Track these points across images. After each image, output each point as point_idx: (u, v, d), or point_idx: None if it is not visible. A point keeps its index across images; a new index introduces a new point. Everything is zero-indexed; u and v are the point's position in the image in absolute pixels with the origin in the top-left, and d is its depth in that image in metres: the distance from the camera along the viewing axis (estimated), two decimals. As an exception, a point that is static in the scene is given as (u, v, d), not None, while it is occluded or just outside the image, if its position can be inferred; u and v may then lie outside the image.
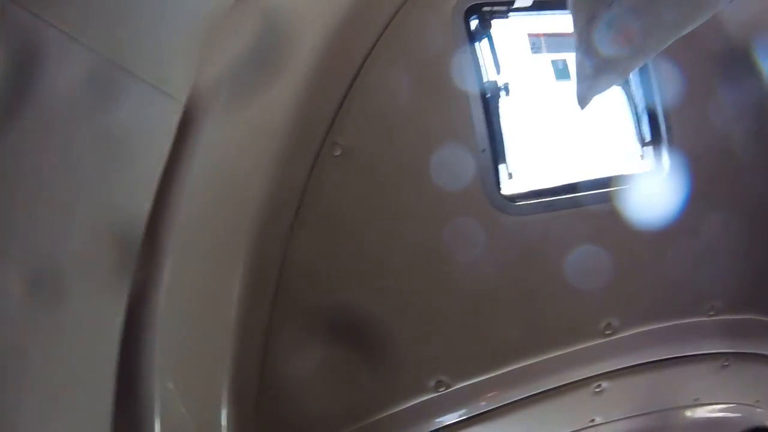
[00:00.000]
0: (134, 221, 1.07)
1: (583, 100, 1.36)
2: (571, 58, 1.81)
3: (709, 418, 2.12)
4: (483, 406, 1.63)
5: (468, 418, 1.64)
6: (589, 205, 1.56)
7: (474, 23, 1.61)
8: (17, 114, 0.92)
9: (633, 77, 1.73)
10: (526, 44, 1.70)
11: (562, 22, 1.69)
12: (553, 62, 1.74)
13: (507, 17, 1.66)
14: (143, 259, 1.11)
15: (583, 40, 1.23)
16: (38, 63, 0.82)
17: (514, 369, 1.59)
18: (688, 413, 2.12)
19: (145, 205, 1.08)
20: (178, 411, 1.25)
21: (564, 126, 1.67)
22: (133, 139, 0.99)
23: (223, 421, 1.39)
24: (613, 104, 1.70)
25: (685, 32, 1.05)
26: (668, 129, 1.70)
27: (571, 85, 1.75)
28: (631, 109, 1.71)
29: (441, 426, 1.62)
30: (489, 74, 1.58)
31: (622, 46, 1.15)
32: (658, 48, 1.09)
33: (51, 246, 0.97)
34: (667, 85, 1.72)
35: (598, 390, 1.73)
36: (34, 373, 0.96)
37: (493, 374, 1.58)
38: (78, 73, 0.86)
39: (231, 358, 1.40)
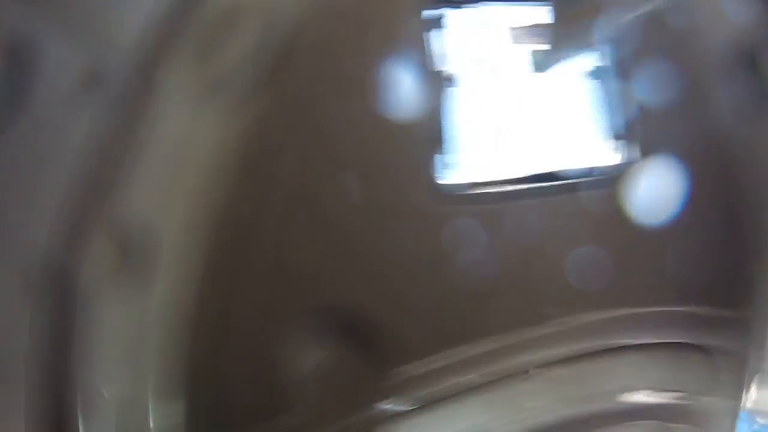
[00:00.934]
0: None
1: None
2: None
3: (637, 403, 2.28)
4: (424, 397, 1.68)
5: (410, 410, 1.69)
6: (539, 197, 1.56)
7: (431, 12, 1.54)
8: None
9: (607, 68, 1.70)
10: (507, 35, 1.65)
11: (540, 13, 1.62)
12: (533, 53, 1.69)
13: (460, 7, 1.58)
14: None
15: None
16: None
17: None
18: (619, 399, 2.26)
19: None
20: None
21: (533, 118, 1.64)
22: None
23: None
24: (585, 96, 1.67)
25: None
26: (642, 120, 1.69)
27: (548, 77, 1.71)
28: (603, 99, 1.67)
29: (387, 414, 1.67)
30: (435, 63, 1.52)
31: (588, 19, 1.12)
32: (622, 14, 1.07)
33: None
34: (643, 77, 1.70)
35: (527, 377, 1.80)
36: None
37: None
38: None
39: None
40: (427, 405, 1.77)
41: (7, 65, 0.86)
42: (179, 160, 1.14)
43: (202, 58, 1.16)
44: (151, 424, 1.26)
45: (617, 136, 1.80)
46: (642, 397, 2.28)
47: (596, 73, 1.76)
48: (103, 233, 1.00)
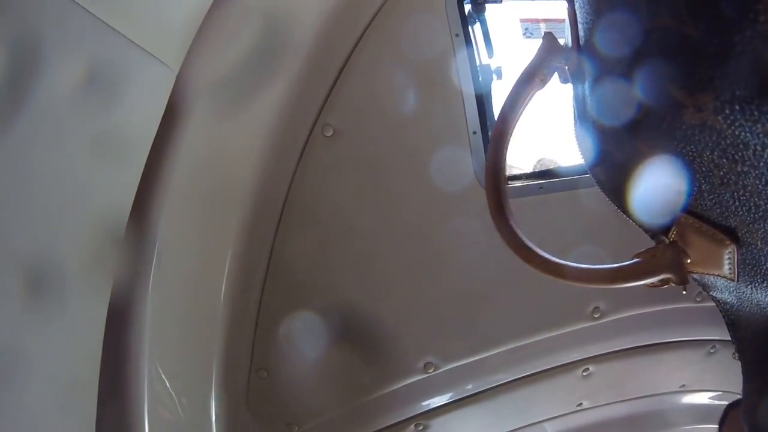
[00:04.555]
0: (120, 208, 1.07)
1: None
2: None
3: (695, 405, 2.15)
4: (471, 388, 1.64)
5: (456, 400, 1.65)
6: (579, 188, 1.57)
7: (467, 7, 1.61)
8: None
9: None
10: (519, 29, 1.72)
11: (553, 7, 1.70)
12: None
13: (500, 2, 1.67)
14: (129, 247, 1.11)
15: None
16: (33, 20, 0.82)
17: (503, 351, 1.60)
18: (675, 399, 2.14)
19: (133, 189, 1.07)
20: (168, 401, 1.25)
21: (557, 111, 1.69)
22: (125, 109, 0.99)
23: (214, 407, 1.39)
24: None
25: None
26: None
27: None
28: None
29: (429, 408, 1.63)
30: (481, 58, 1.58)
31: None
32: None
33: (32, 244, 0.97)
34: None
35: (585, 374, 1.75)
36: (15, 372, 0.96)
37: (481, 356, 1.59)
38: (71, 38, 0.86)
39: (221, 345, 1.40)
40: (478, 398, 1.68)
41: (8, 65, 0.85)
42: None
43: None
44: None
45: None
46: (704, 399, 2.12)
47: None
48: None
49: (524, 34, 1.72)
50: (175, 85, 1.08)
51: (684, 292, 0.62)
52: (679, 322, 1.90)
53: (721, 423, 1.41)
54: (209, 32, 1.13)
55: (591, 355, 1.74)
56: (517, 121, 0.84)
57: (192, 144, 1.23)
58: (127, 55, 0.94)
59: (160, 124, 1.11)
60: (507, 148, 0.84)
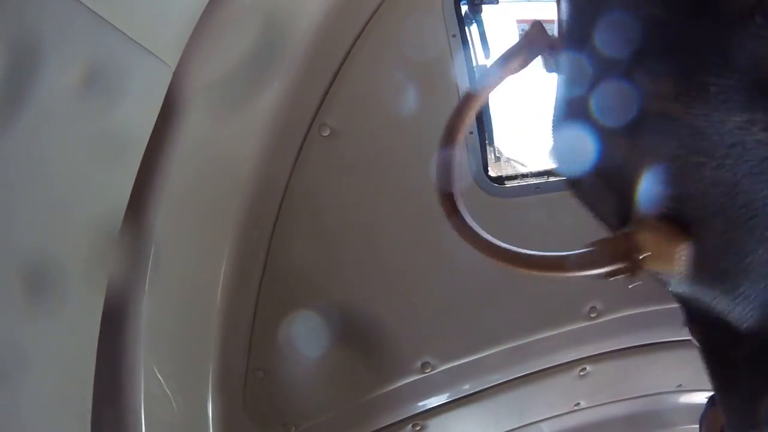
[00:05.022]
0: (117, 208, 1.06)
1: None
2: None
3: (691, 405, 2.15)
4: (468, 388, 1.64)
5: (453, 400, 1.65)
6: (575, 189, 1.57)
7: (464, 8, 1.62)
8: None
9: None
10: (515, 30, 1.72)
11: (550, 8, 1.70)
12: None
13: (497, 2, 1.67)
14: (125, 247, 1.11)
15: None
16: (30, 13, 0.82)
17: (500, 351, 1.60)
18: (671, 399, 2.15)
19: (128, 188, 1.07)
20: (164, 401, 1.25)
21: (551, 111, 1.70)
22: (122, 107, 0.98)
23: (210, 407, 1.39)
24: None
25: None
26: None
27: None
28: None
29: (427, 408, 1.63)
30: (478, 58, 1.59)
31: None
32: None
33: (28, 244, 0.96)
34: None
35: (582, 373, 1.75)
36: (10, 372, 0.95)
37: (478, 356, 1.59)
38: (70, 34, 0.86)
39: (217, 345, 1.40)
40: (475, 398, 1.68)
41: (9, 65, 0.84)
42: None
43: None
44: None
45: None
46: (700, 399, 2.12)
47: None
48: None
49: (520, 35, 1.73)
50: (171, 82, 1.08)
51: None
52: (675, 321, 1.90)
53: (702, 422, 1.42)
54: (206, 30, 1.13)
55: (588, 355, 1.75)
56: (482, 100, 0.85)
57: (188, 143, 1.22)
58: (125, 52, 0.93)
59: (157, 122, 1.11)
60: (463, 125, 0.83)
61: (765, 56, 0.40)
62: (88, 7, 0.89)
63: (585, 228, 1.64)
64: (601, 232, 1.81)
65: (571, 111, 0.67)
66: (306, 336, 1.48)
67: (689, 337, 1.92)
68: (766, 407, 0.51)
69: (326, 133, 1.42)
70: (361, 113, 1.45)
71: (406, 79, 1.50)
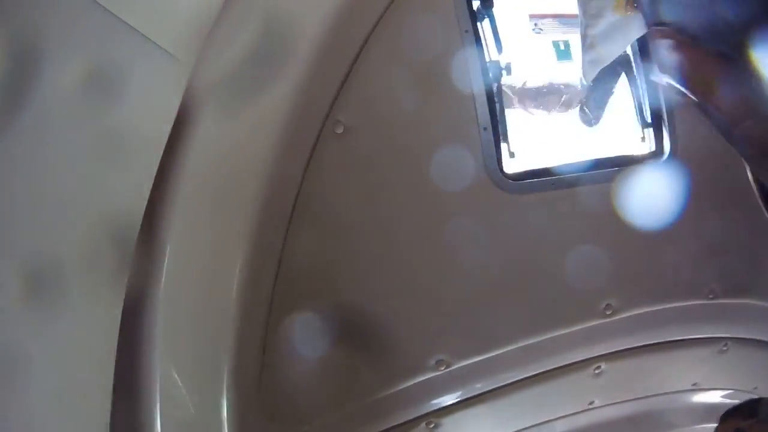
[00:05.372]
0: (132, 207, 1.07)
1: (587, 72, 1.36)
2: (572, 39, 1.82)
3: (706, 404, 2.13)
4: (483, 386, 1.63)
5: (468, 398, 1.64)
6: (589, 184, 1.56)
7: (476, 3, 1.61)
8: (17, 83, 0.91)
9: (635, 59, 1.73)
10: (528, 25, 1.71)
11: (563, 2, 1.69)
12: (554, 43, 1.74)
13: (509, -2, 1.67)
14: (141, 247, 1.11)
15: (587, 9, 1.23)
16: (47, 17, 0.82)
17: (515, 348, 1.59)
18: (686, 398, 2.13)
19: (144, 188, 1.07)
20: (179, 398, 1.25)
21: (565, 106, 1.68)
22: (138, 106, 0.98)
23: (225, 405, 1.39)
24: (615, 85, 1.70)
25: None
26: (669, 111, 1.70)
27: (571, 66, 1.76)
28: (633, 91, 1.71)
29: (441, 406, 1.62)
30: (491, 54, 1.58)
31: (624, 13, 1.15)
32: None
33: (47, 244, 0.97)
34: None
35: (597, 372, 1.74)
36: (31, 372, 0.96)
37: (493, 353, 1.58)
38: (84, 32, 0.86)
39: (232, 343, 1.40)
40: (489, 397, 1.67)
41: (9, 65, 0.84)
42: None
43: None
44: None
45: (647, 125, 1.77)
46: (716, 398, 2.09)
47: (627, 65, 1.74)
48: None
49: (534, 29, 1.72)
50: (187, 81, 1.08)
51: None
52: (691, 319, 1.88)
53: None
54: (220, 27, 1.13)
55: (603, 353, 1.73)
56: None
57: (202, 141, 1.22)
58: (139, 50, 0.93)
59: (173, 122, 1.11)
60: None
61: None
62: (101, 5, 0.89)
63: (600, 224, 1.63)
64: (617, 228, 1.81)
65: None
66: (320, 333, 1.47)
67: (705, 336, 1.90)
68: None
69: (340, 130, 1.42)
70: (374, 110, 1.44)
71: (419, 75, 1.49)
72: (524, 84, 1.67)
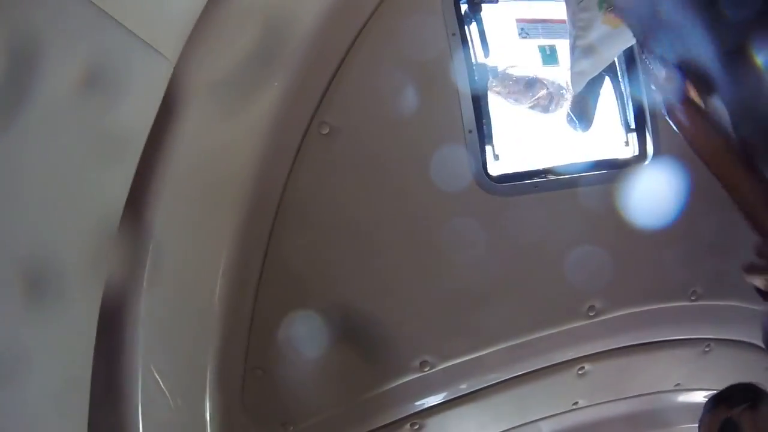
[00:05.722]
0: (114, 206, 1.06)
1: (575, 82, 1.38)
2: (558, 44, 1.84)
3: (690, 404, 2.16)
4: (467, 386, 1.64)
5: (452, 398, 1.65)
6: (575, 187, 1.58)
7: (463, 6, 1.62)
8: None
9: (620, 65, 1.75)
10: (514, 29, 1.72)
11: (550, 8, 1.71)
12: (541, 47, 1.76)
13: (496, 1, 1.67)
14: (123, 245, 1.10)
15: (575, 20, 1.24)
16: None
17: (499, 349, 1.60)
18: (670, 398, 2.15)
19: (126, 187, 1.06)
20: (161, 400, 1.24)
21: (545, 102, 1.70)
22: (122, 103, 0.98)
23: (208, 406, 1.39)
24: (602, 90, 1.72)
25: None
26: (653, 116, 1.72)
27: (557, 70, 1.78)
28: (617, 95, 1.73)
29: (425, 407, 1.63)
30: (477, 57, 1.59)
31: (614, 26, 1.17)
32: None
33: (22, 244, 0.96)
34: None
35: (581, 372, 1.75)
36: (14, 372, 0.95)
37: (477, 354, 1.59)
38: (71, 28, 0.85)
39: (215, 344, 1.39)
40: (474, 397, 1.67)
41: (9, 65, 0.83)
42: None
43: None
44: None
45: (631, 129, 1.79)
46: (699, 398, 2.12)
47: (612, 69, 1.75)
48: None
49: (520, 34, 1.73)
50: (171, 78, 1.07)
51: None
52: (674, 320, 1.91)
53: (701, 425, 1.40)
54: (206, 26, 1.12)
55: (586, 354, 1.75)
56: None
57: (187, 140, 1.22)
58: (126, 46, 0.93)
59: (156, 119, 1.10)
60: None
61: None
62: (91, 1, 0.88)
63: (584, 226, 1.64)
64: (601, 230, 1.82)
65: None
66: (305, 335, 1.47)
67: (688, 336, 1.92)
68: None
69: (326, 131, 1.42)
70: (360, 111, 1.45)
71: (406, 77, 1.50)
72: (507, 71, 1.67)
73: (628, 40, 1.34)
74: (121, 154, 1.08)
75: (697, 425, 2.13)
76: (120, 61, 0.99)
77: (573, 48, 1.39)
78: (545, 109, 1.62)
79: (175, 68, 1.08)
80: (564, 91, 1.63)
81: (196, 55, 1.16)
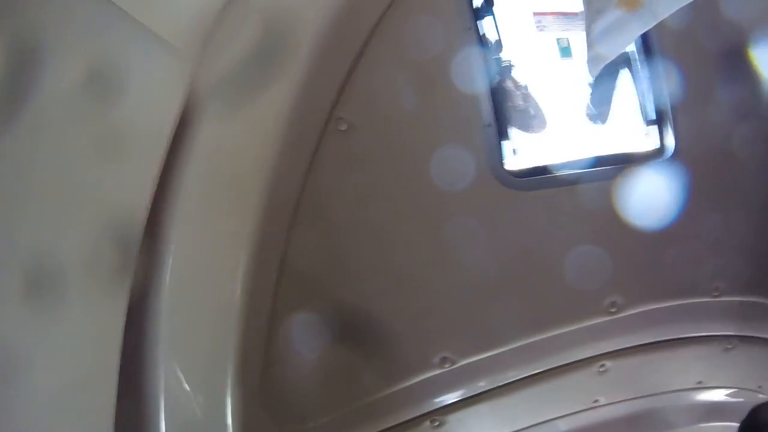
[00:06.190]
0: (135, 206, 1.06)
1: (592, 67, 1.36)
2: (575, 37, 1.82)
3: (710, 402, 2.12)
4: (487, 384, 1.63)
5: (472, 395, 1.64)
6: (593, 181, 1.56)
7: (477, 0, 1.61)
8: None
9: (639, 56, 1.73)
10: (531, 22, 1.71)
11: (566, 0, 1.69)
12: (558, 40, 1.74)
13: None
14: (145, 246, 1.11)
15: (591, 4, 1.23)
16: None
17: (519, 346, 1.58)
18: (691, 396, 2.12)
19: (147, 187, 1.06)
20: (184, 398, 1.25)
21: (568, 103, 1.67)
22: (139, 101, 0.98)
23: (229, 403, 1.39)
24: (619, 82, 1.70)
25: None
26: (673, 108, 1.69)
27: (575, 64, 1.75)
28: (637, 88, 1.70)
29: (445, 404, 1.62)
30: (493, 51, 1.57)
31: (630, 9, 1.16)
32: (664, 12, 1.09)
33: (50, 244, 0.96)
34: (673, 64, 1.72)
35: (602, 370, 1.73)
36: (35, 373, 0.95)
37: (498, 351, 1.58)
38: (88, 24, 0.85)
39: (235, 342, 1.40)
40: (494, 395, 1.66)
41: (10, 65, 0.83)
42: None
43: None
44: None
45: (651, 122, 1.76)
46: (720, 397, 2.08)
47: (630, 62, 1.73)
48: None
49: (537, 27, 1.72)
50: (188, 76, 1.07)
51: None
52: (696, 317, 1.87)
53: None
54: (224, 23, 1.12)
55: (607, 351, 1.72)
56: None
57: (206, 140, 1.22)
58: (144, 43, 0.93)
59: (173, 118, 1.10)
60: None
61: None
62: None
63: (604, 221, 1.62)
64: (621, 225, 1.80)
65: None
66: (324, 331, 1.47)
67: (710, 333, 1.89)
68: None
69: (343, 127, 1.41)
70: (377, 107, 1.44)
71: (422, 71, 1.49)
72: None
73: (644, 24, 1.32)
74: (141, 153, 1.08)
75: (716, 424, 2.09)
76: (136, 57, 0.99)
77: (588, 33, 1.38)
78: (525, 128, 1.59)
79: (192, 66, 1.08)
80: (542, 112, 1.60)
81: (212, 53, 1.16)
